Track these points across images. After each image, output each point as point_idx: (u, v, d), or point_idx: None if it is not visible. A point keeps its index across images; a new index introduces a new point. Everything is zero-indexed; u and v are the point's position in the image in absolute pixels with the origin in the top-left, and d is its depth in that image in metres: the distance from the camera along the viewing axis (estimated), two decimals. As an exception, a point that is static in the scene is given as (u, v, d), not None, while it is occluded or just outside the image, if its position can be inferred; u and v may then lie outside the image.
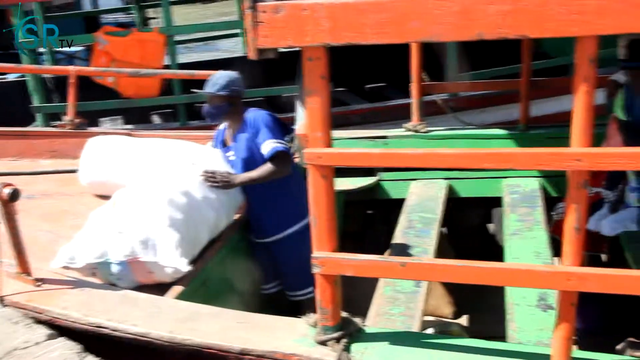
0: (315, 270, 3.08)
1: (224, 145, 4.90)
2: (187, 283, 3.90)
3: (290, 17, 2.78)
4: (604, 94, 4.93)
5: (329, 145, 2.94)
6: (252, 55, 2.87)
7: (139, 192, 4.18)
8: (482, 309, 5.08)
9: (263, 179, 4.58)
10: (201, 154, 4.78)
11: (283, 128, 4.69)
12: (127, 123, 8.63)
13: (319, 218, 3.03)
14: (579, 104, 2.64)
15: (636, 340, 3.51)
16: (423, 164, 2.98)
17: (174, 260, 3.82)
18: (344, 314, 3.24)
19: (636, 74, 4.49)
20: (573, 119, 2.69)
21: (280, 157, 4.53)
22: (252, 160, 4.66)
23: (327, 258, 3.06)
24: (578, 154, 2.67)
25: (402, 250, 4.81)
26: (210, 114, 4.73)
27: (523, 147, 5.80)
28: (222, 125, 4.94)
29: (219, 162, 4.67)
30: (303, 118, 3.01)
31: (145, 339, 3.29)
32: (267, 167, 4.56)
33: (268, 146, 4.52)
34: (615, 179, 5.20)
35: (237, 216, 4.72)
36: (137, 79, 7.98)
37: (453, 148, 5.85)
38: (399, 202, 5.69)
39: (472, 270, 3.01)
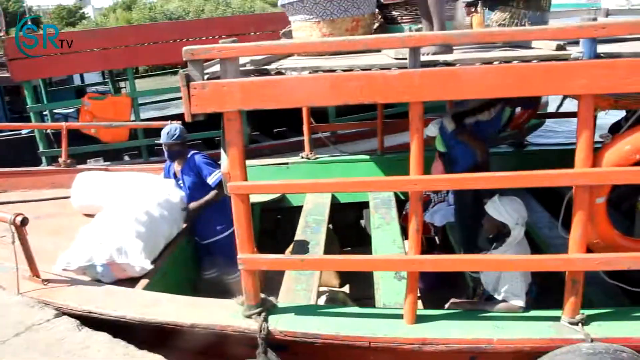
0: (240, 267, 3.09)
1: (174, 176, 4.86)
2: (151, 277, 3.84)
3: (213, 92, 2.77)
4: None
5: (245, 179, 2.96)
6: (188, 118, 2.86)
7: (114, 213, 4.16)
8: (360, 279, 5.11)
9: (213, 201, 4.65)
10: (159, 183, 4.76)
11: (214, 161, 4.68)
12: (105, 161, 8.51)
13: (240, 230, 3.05)
14: (414, 146, 2.70)
15: (456, 300, 3.59)
16: (311, 190, 3.01)
17: (141, 261, 3.82)
18: (262, 295, 3.23)
19: (460, 132, 4.56)
20: (410, 155, 2.77)
21: (222, 183, 4.51)
22: (195, 188, 4.70)
23: (247, 258, 3.08)
24: (415, 180, 2.73)
25: (302, 243, 4.79)
26: (171, 156, 4.76)
27: (380, 168, 6.00)
28: (168, 161, 4.92)
29: (174, 190, 4.66)
30: (226, 160, 2.99)
31: (123, 319, 3.28)
32: (214, 193, 4.63)
33: (214, 177, 4.59)
34: None
35: (184, 226, 4.65)
36: (111, 130, 7.97)
37: (335, 170, 6.04)
38: (299, 208, 5.69)
39: (349, 262, 3.08)
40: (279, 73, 2.93)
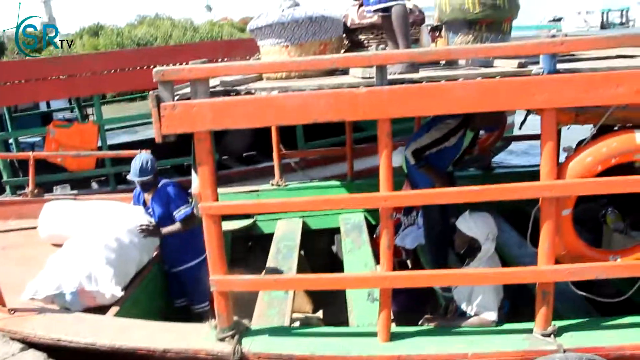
0: (213, 288, 3.07)
1: (144, 204, 4.81)
2: (121, 305, 3.80)
3: (183, 112, 2.78)
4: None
5: (216, 199, 2.96)
6: (158, 139, 2.86)
7: (83, 240, 4.12)
8: (332, 304, 5.10)
9: (177, 232, 4.57)
10: (128, 211, 4.71)
11: (184, 191, 4.66)
12: (72, 189, 8.35)
13: (212, 251, 3.03)
14: (383, 163, 2.74)
15: (430, 316, 3.61)
16: (282, 209, 3.02)
17: (111, 288, 3.78)
18: (235, 318, 3.20)
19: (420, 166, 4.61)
20: (380, 172, 2.80)
21: (187, 218, 4.55)
22: (164, 217, 4.63)
23: (220, 279, 3.06)
24: (385, 196, 2.76)
25: (274, 269, 4.77)
26: (143, 189, 4.70)
27: (350, 193, 6.03)
28: (138, 189, 4.84)
29: (143, 217, 4.58)
30: (197, 181, 2.99)
31: (93, 347, 3.22)
32: (178, 226, 4.57)
33: (180, 212, 4.55)
34: (409, 208, 5.39)
35: (155, 254, 4.63)
36: (77, 158, 7.85)
37: (305, 196, 6.06)
38: (271, 235, 5.68)
39: (321, 280, 3.07)
40: (248, 93, 2.96)
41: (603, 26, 49.61)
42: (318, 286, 3.09)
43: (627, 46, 2.93)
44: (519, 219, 3.49)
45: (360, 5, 4.15)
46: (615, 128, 3.22)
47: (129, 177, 4.59)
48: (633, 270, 3.08)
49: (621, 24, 51.32)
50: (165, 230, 4.58)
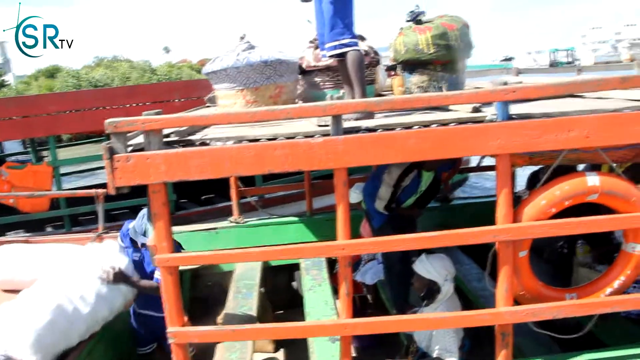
0: (170, 340, 2.99)
1: (134, 245, 4.32)
2: (75, 358, 3.63)
3: (137, 164, 2.73)
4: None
5: (172, 251, 2.90)
6: (111, 191, 2.81)
7: (24, 298, 3.78)
8: (294, 343, 5.03)
9: (153, 292, 3.90)
10: (86, 256, 4.36)
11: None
12: (27, 232, 8.13)
13: (169, 302, 2.97)
14: (340, 213, 2.74)
15: None
16: (241, 259, 2.97)
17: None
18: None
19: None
20: (337, 220, 2.79)
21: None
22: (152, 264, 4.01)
23: (177, 331, 2.99)
24: (342, 245, 2.75)
25: (234, 309, 4.66)
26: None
27: (311, 230, 6.00)
28: (125, 227, 4.36)
29: (105, 262, 4.05)
30: (152, 233, 2.93)
31: None
32: (156, 287, 3.77)
33: (156, 274, 3.96)
34: None
35: (122, 308, 4.30)
36: (32, 199, 7.71)
37: (264, 234, 6.00)
38: (230, 273, 5.59)
39: (281, 330, 3.03)
40: (203, 144, 2.92)
41: (552, 64, 52.73)
42: (278, 336, 3.06)
43: (575, 92, 2.99)
44: (478, 250, 3.52)
45: (317, 47, 4.17)
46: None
47: (139, 240, 4.18)
48: (587, 308, 3.12)
49: (568, 62, 55.71)
50: (142, 283, 4.10)
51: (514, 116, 2.84)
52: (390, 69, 4.50)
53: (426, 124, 2.82)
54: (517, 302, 3.11)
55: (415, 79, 3.95)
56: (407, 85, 4.06)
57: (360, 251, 2.93)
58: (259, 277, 5.45)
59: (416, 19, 4.01)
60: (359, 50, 3.63)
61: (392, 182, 4.38)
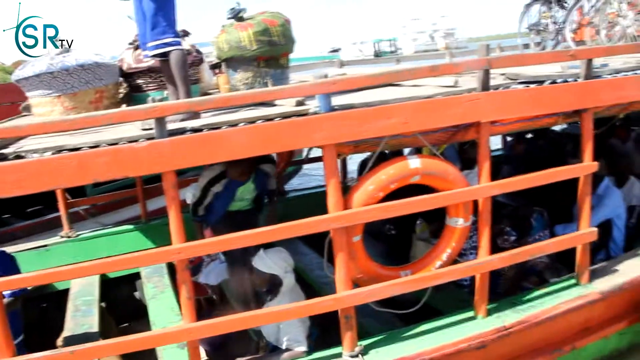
0: (-1, 373, 2.82)
1: None
2: None
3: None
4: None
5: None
6: None
7: None
8: (142, 353, 4.91)
9: None
10: None
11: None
12: None
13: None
14: (172, 216, 2.73)
15: (241, 359, 3.65)
16: (76, 275, 2.87)
17: None
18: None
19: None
20: (170, 225, 2.79)
21: None
22: None
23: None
24: (178, 249, 2.75)
25: (73, 329, 4.45)
26: None
27: (147, 236, 5.86)
28: None
29: None
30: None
31: None
32: None
33: None
34: None
35: None
36: None
37: (99, 245, 5.76)
38: (66, 292, 5.31)
39: (125, 344, 2.97)
40: (18, 157, 2.76)
41: (376, 54, 56.29)
42: (122, 350, 2.97)
43: (391, 82, 3.22)
44: (318, 239, 3.68)
45: (136, 48, 4.09)
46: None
47: None
48: (420, 283, 3.39)
49: (391, 52, 60.27)
50: None
51: (336, 107, 2.98)
52: (215, 67, 4.53)
53: (252, 120, 2.88)
54: (357, 285, 3.30)
55: (240, 76, 4.01)
56: (232, 82, 4.11)
57: (198, 253, 2.94)
58: (98, 291, 5.25)
59: (237, 15, 4.06)
60: (181, 49, 3.62)
61: (201, 186, 4.33)
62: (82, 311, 4.82)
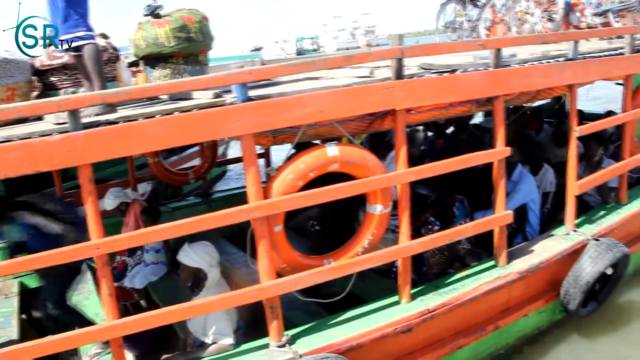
0: None
1: None
2: None
3: None
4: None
5: None
6: None
7: None
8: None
9: None
10: None
11: None
12: None
13: None
14: (89, 210, 2.73)
15: (168, 355, 3.64)
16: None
17: None
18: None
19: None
20: (88, 221, 2.78)
21: None
22: None
23: None
24: (97, 244, 2.75)
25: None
26: None
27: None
28: None
29: None
30: None
31: None
32: None
33: None
34: (134, 248, 5.38)
35: None
36: None
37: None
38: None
39: (47, 345, 2.94)
40: None
41: (299, 52, 56.95)
42: (45, 352, 2.93)
43: (306, 71, 3.30)
44: (242, 237, 3.72)
45: (49, 45, 4.03)
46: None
47: None
48: (342, 270, 3.48)
49: (314, 50, 61.29)
50: None
51: (253, 98, 3.05)
52: (132, 65, 4.51)
53: (168, 112, 2.90)
54: (281, 275, 3.37)
55: (158, 73, 4.00)
56: (150, 80, 4.11)
57: (116, 248, 2.92)
58: (18, 302, 5.10)
59: (154, 13, 4.06)
60: (95, 43, 3.60)
61: None
62: (0, 322, 4.69)
